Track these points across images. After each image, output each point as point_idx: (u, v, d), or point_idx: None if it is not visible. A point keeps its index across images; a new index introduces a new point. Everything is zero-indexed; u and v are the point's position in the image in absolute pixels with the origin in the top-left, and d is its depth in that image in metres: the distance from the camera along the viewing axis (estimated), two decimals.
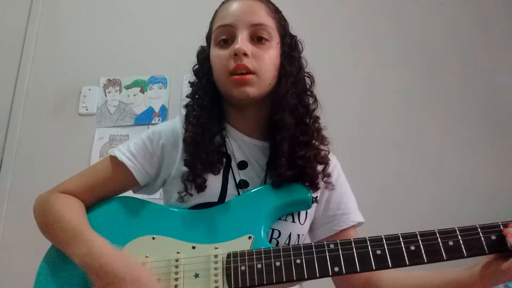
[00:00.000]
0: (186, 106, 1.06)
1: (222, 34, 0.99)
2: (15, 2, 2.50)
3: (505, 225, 0.80)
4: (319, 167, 1.01)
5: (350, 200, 1.08)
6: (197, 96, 1.05)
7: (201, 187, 0.96)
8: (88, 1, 2.52)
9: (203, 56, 1.08)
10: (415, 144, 2.16)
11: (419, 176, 2.11)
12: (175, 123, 1.06)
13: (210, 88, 1.03)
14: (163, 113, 2.29)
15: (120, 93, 2.35)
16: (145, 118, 2.29)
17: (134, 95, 2.34)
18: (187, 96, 1.08)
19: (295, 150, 0.97)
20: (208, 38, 1.08)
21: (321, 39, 2.20)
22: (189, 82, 1.10)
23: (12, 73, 2.37)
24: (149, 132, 1.05)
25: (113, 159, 1.02)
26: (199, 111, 1.01)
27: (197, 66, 1.09)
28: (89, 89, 2.35)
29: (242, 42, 0.95)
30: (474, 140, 2.15)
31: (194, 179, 0.96)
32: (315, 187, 0.99)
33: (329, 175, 1.03)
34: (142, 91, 2.34)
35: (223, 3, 1.05)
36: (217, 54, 0.99)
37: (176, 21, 2.43)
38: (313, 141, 1.01)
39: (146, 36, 2.42)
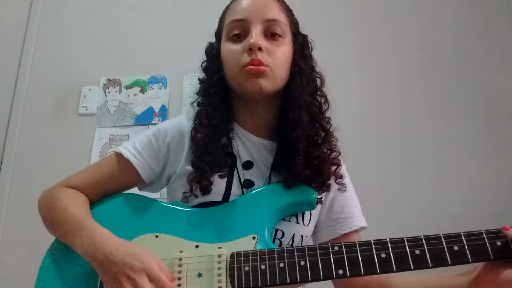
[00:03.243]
0: (198, 104, 1.04)
1: (235, 28, 0.98)
2: (15, 2, 2.49)
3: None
4: (332, 168, 1.01)
5: (354, 204, 1.08)
6: (208, 94, 1.03)
7: (206, 190, 0.96)
8: (88, 1, 2.51)
9: (213, 52, 1.06)
10: (415, 144, 2.17)
11: (419, 176, 2.11)
12: (181, 121, 1.06)
13: (221, 86, 1.02)
14: (163, 113, 2.29)
15: (120, 93, 2.35)
16: (145, 118, 2.29)
17: (134, 95, 2.33)
18: (197, 94, 1.06)
19: (309, 150, 0.97)
20: (218, 34, 1.06)
21: (320, 39, 2.19)
22: (198, 79, 1.08)
23: (12, 73, 2.36)
24: (155, 129, 1.05)
25: (119, 155, 1.02)
26: (211, 111, 1.00)
27: (206, 63, 1.07)
28: (89, 89, 2.35)
29: (257, 36, 0.94)
30: (474, 140, 2.16)
31: (200, 181, 0.95)
32: (326, 188, 1.00)
33: (341, 177, 1.03)
34: (142, 91, 2.34)
35: None
36: (229, 48, 0.98)
37: (176, 21, 2.43)
38: (325, 142, 1.01)
39: (146, 36, 2.42)
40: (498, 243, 0.79)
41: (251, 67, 0.93)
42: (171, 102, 2.30)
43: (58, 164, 2.17)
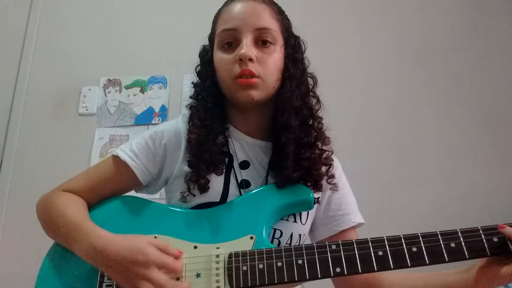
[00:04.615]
0: (190, 107, 1.05)
1: (226, 38, 0.98)
2: (15, 2, 2.50)
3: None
4: (323, 168, 1.01)
5: (351, 201, 1.08)
6: (200, 98, 1.04)
7: (204, 188, 0.96)
8: (88, 1, 2.52)
9: (206, 57, 1.06)
10: (415, 144, 2.16)
11: (419, 176, 2.11)
12: (177, 123, 1.06)
13: (214, 90, 1.03)
14: (163, 113, 2.29)
15: (120, 93, 2.35)
16: (145, 118, 2.29)
17: (134, 95, 2.34)
18: (190, 97, 1.07)
19: (300, 152, 0.98)
20: (211, 38, 1.06)
21: (321, 39, 2.19)
22: (192, 83, 1.09)
23: (12, 73, 2.36)
24: (151, 131, 1.06)
25: (116, 158, 1.02)
26: (203, 113, 1.01)
27: (200, 67, 1.08)
28: (89, 89, 2.35)
29: (247, 47, 0.95)
30: (474, 140, 2.16)
31: (197, 180, 0.96)
32: (318, 188, 1.00)
33: (333, 176, 1.03)
34: (142, 91, 2.34)
35: (226, 4, 1.04)
36: (221, 57, 0.99)
37: (176, 21, 2.43)
38: (317, 142, 1.01)
39: (146, 36, 2.42)
40: (495, 239, 0.80)
41: (243, 79, 0.94)
42: (171, 102, 2.31)
43: (58, 164, 2.17)
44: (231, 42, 0.98)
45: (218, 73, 1.01)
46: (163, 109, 2.30)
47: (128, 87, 2.36)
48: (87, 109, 2.32)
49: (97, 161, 2.16)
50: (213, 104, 1.02)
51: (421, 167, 2.13)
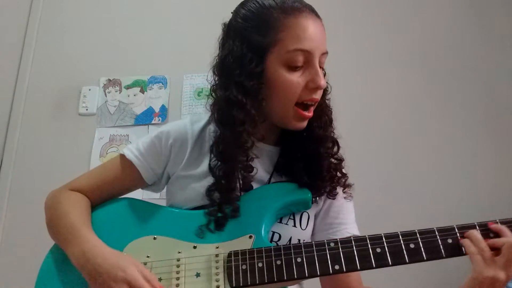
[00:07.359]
0: (245, 132, 0.92)
1: (299, 59, 0.90)
2: (15, 2, 2.50)
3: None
4: (343, 178, 1.03)
5: (350, 213, 1.07)
6: (252, 116, 0.91)
7: (220, 225, 0.93)
8: (88, 1, 2.52)
9: (258, 70, 0.91)
10: (415, 144, 2.17)
11: (419, 176, 2.11)
12: (185, 126, 1.06)
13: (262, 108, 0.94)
14: (163, 113, 2.29)
15: (120, 93, 2.35)
16: (145, 118, 2.29)
17: (134, 95, 2.34)
18: (232, 110, 0.91)
19: (330, 162, 1.00)
20: (263, 47, 0.91)
21: None
22: (239, 101, 0.91)
23: (12, 73, 2.36)
24: (158, 131, 1.06)
25: (122, 157, 1.04)
26: (252, 141, 0.94)
27: (248, 80, 0.91)
28: (89, 89, 2.35)
29: (320, 74, 0.92)
30: (475, 140, 2.16)
31: (216, 214, 0.94)
32: (332, 196, 1.02)
33: (349, 186, 1.04)
34: (142, 91, 2.34)
35: (293, 13, 0.93)
36: (287, 78, 0.90)
37: (176, 21, 2.43)
38: (336, 153, 1.03)
39: (146, 36, 2.42)
40: (491, 235, 0.81)
41: (304, 112, 0.93)
42: (171, 102, 2.30)
43: (58, 164, 2.17)
44: (302, 65, 0.91)
45: (275, 92, 0.92)
46: (163, 109, 2.30)
47: (128, 87, 2.36)
48: (87, 109, 2.32)
49: (97, 161, 2.18)
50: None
51: (421, 166, 2.13)
